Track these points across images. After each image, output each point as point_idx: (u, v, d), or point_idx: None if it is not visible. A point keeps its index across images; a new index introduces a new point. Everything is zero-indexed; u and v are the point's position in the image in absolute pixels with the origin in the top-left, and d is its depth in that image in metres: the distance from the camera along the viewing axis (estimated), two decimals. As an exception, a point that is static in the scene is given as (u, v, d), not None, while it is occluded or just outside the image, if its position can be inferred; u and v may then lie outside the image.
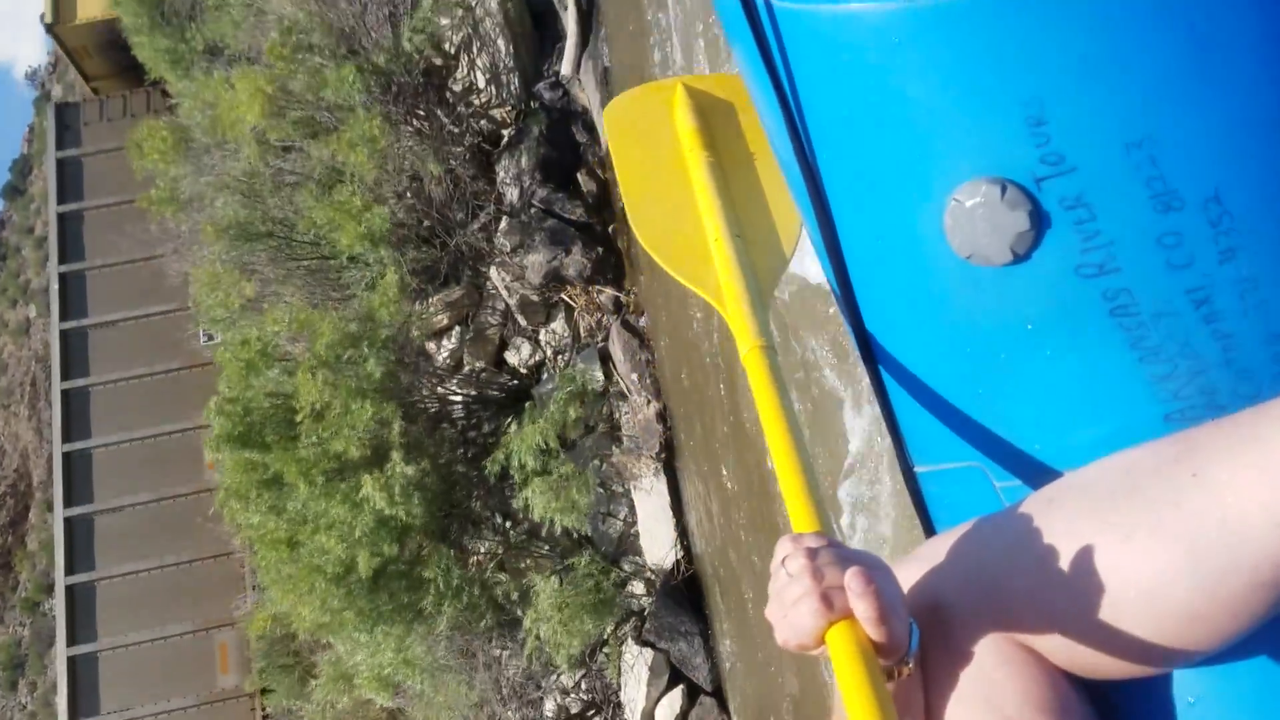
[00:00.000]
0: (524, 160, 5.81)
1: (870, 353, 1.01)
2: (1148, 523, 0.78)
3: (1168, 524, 0.77)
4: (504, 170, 5.93)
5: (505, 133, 6.05)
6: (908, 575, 0.89)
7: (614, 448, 5.66)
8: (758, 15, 0.90)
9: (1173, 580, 0.77)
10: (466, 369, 6.19)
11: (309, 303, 5.98)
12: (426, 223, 5.88)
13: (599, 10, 5.63)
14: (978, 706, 0.82)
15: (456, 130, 5.80)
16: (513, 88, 5.93)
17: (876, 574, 0.75)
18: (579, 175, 5.90)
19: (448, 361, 6.27)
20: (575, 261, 5.70)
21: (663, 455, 5.45)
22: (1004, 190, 0.83)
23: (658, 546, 5.45)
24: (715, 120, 1.29)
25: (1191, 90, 0.78)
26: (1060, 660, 0.84)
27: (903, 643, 0.75)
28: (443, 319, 6.16)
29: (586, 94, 5.76)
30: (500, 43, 5.78)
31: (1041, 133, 0.81)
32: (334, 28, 5.37)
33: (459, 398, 6.01)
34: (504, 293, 6.01)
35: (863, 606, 0.73)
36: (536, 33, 5.99)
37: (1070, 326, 0.86)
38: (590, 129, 5.88)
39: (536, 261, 5.72)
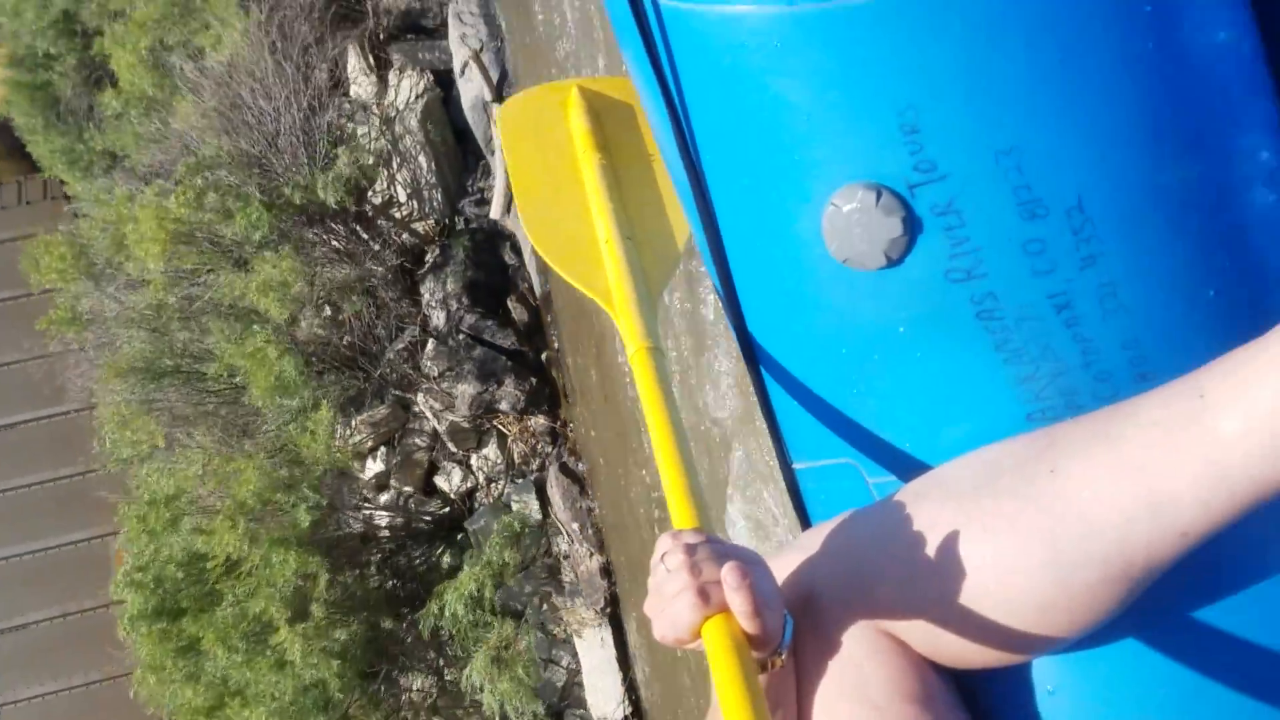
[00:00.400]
0: (450, 283, 5.58)
1: (752, 353, 1.02)
2: (1007, 515, 0.80)
3: (1026, 517, 0.79)
4: (429, 292, 5.68)
5: (429, 250, 5.83)
6: (783, 566, 0.91)
7: (554, 591, 5.45)
8: (644, 14, 0.92)
9: (1029, 571, 0.78)
10: (393, 492, 6.03)
11: (225, 442, 5.56)
12: (348, 352, 5.60)
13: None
14: (846, 695, 0.83)
15: (377, 247, 5.56)
16: (435, 202, 5.68)
17: (752, 568, 0.76)
18: (509, 301, 5.68)
19: (372, 483, 6.09)
20: (508, 394, 5.48)
21: (607, 609, 5.26)
22: (879, 196, 0.86)
23: (603, 700, 5.20)
24: (610, 122, 1.31)
25: (1057, 101, 0.81)
26: (925, 650, 0.86)
27: (776, 635, 0.77)
28: (367, 440, 5.79)
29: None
30: (421, 159, 5.55)
31: (915, 140, 0.84)
32: (244, 159, 5.05)
33: (386, 524, 5.81)
34: (432, 419, 5.78)
35: (737, 600, 0.74)
36: (459, 147, 5.73)
37: (939, 329, 0.88)
38: (518, 252, 5.70)
39: (466, 392, 5.48)
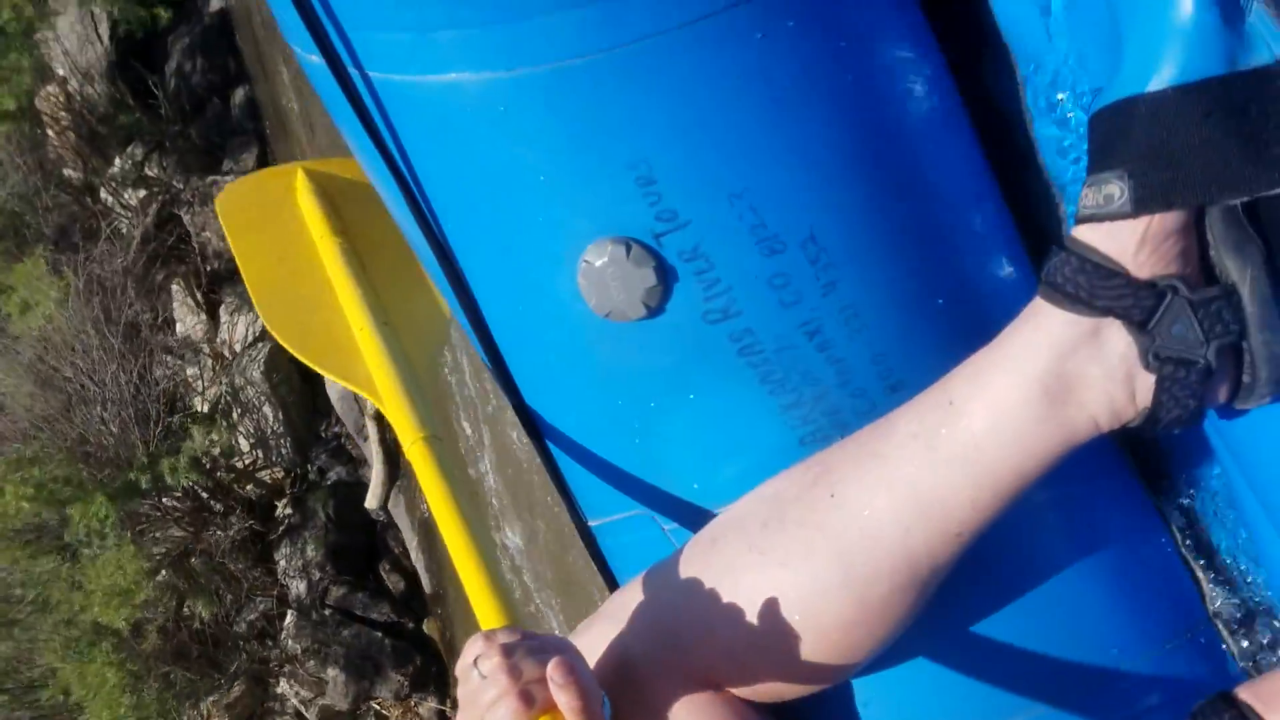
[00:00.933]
0: (310, 549, 4.78)
1: (529, 415, 1.01)
2: (798, 546, 0.83)
3: (816, 545, 0.83)
4: (286, 559, 4.88)
5: (280, 505, 5.04)
6: (593, 641, 0.90)
7: None
8: (355, 89, 0.89)
9: (828, 594, 0.82)
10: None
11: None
12: (197, 643, 4.82)
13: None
14: None
15: (219, 507, 4.82)
16: (284, 450, 4.94)
17: (575, 661, 0.74)
18: (381, 566, 4.91)
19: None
20: (390, 680, 4.68)
21: None
22: (629, 249, 0.87)
23: None
24: (344, 204, 1.25)
25: (776, 143, 0.85)
26: (744, 693, 0.87)
27: None
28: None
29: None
30: (266, 409, 4.87)
31: (653, 191, 0.86)
32: (70, 443, 4.37)
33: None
34: (300, 706, 4.93)
35: (564, 698, 0.71)
36: (307, 388, 5.04)
37: (706, 370, 0.91)
38: (386, 509, 4.84)
39: (339, 679, 4.65)
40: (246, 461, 4.92)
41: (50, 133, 5.36)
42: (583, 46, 0.80)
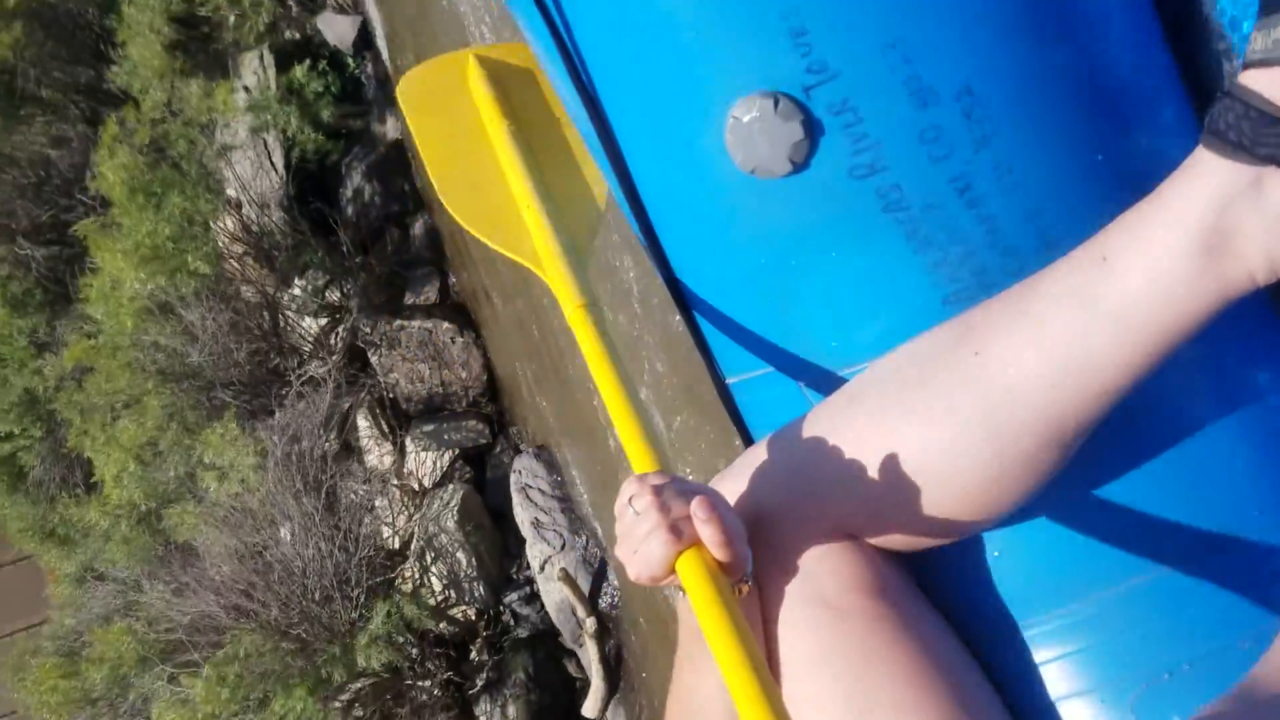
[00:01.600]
0: (512, 710, 4.59)
1: (672, 275, 1.03)
2: (942, 401, 0.83)
3: (958, 401, 0.82)
4: (486, 716, 4.74)
5: (475, 650, 4.94)
6: (728, 488, 0.92)
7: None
8: None
9: (970, 450, 0.81)
10: None
11: None
12: None
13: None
14: (803, 600, 0.86)
15: (415, 654, 4.69)
16: (477, 592, 4.86)
17: (718, 501, 0.78)
18: None
19: None
20: None
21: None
22: (777, 103, 0.87)
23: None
24: (513, 88, 1.29)
25: None
26: (877, 540, 0.89)
27: (746, 560, 0.79)
28: None
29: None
30: (460, 555, 4.84)
31: (804, 42, 0.85)
32: (274, 629, 4.21)
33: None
34: None
35: (708, 531, 0.76)
36: (499, 529, 4.99)
37: (850, 227, 0.90)
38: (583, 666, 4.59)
39: None
40: (439, 598, 4.92)
41: (228, 261, 5.25)
42: None
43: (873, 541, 0.89)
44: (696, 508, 0.76)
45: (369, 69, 5.33)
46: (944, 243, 0.88)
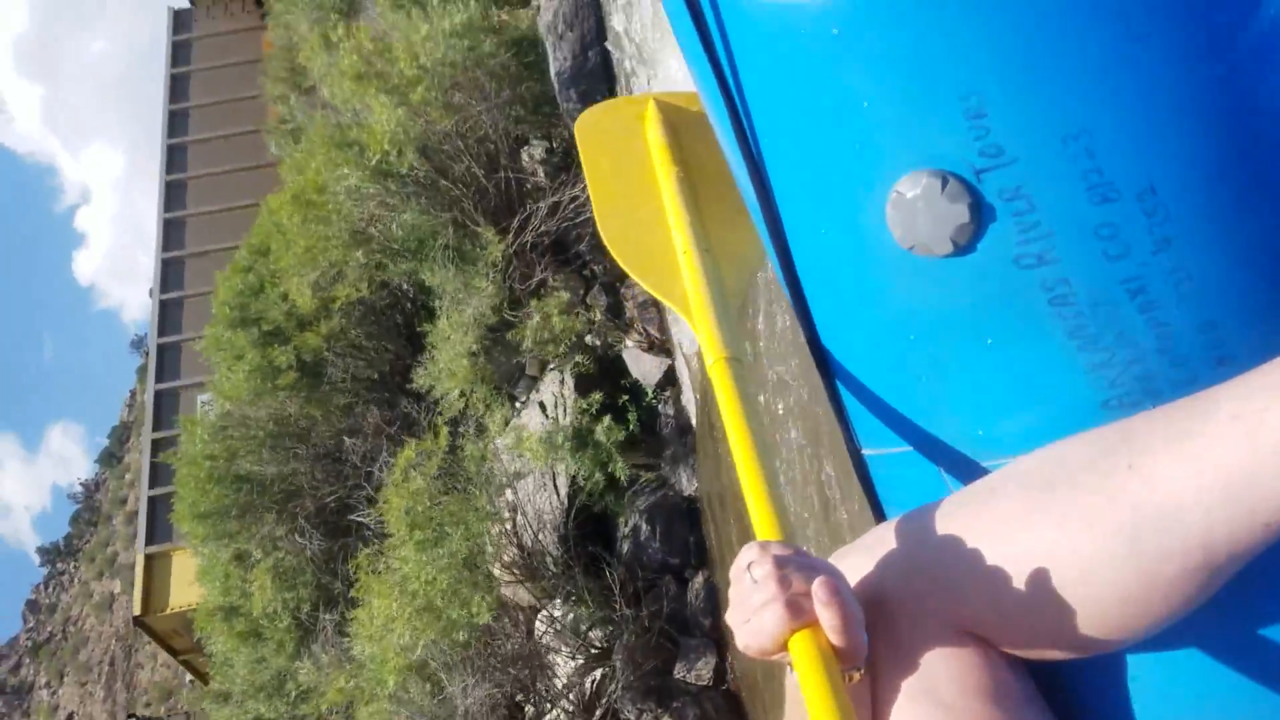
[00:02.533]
0: None
1: (817, 341, 1.02)
2: (1087, 510, 0.79)
3: (1105, 512, 0.78)
4: None
5: None
6: (852, 565, 0.90)
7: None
8: (699, 7, 0.92)
9: (1110, 565, 0.78)
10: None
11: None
12: None
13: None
14: (917, 697, 0.83)
15: None
16: None
17: (841, 583, 0.77)
18: None
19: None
20: None
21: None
22: (945, 183, 0.85)
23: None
24: (686, 136, 1.31)
25: (1126, 84, 0.80)
26: (1003, 644, 0.85)
27: (862, 648, 0.77)
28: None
29: None
30: None
31: (980, 125, 0.83)
32: None
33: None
34: None
35: (829, 615, 0.74)
36: None
37: (1010, 315, 0.87)
38: None
39: None
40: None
41: (495, 566, 5.25)
42: None
43: (996, 644, 0.85)
44: (819, 588, 0.75)
45: (669, 409, 5.23)
46: (1110, 344, 0.84)
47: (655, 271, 1.17)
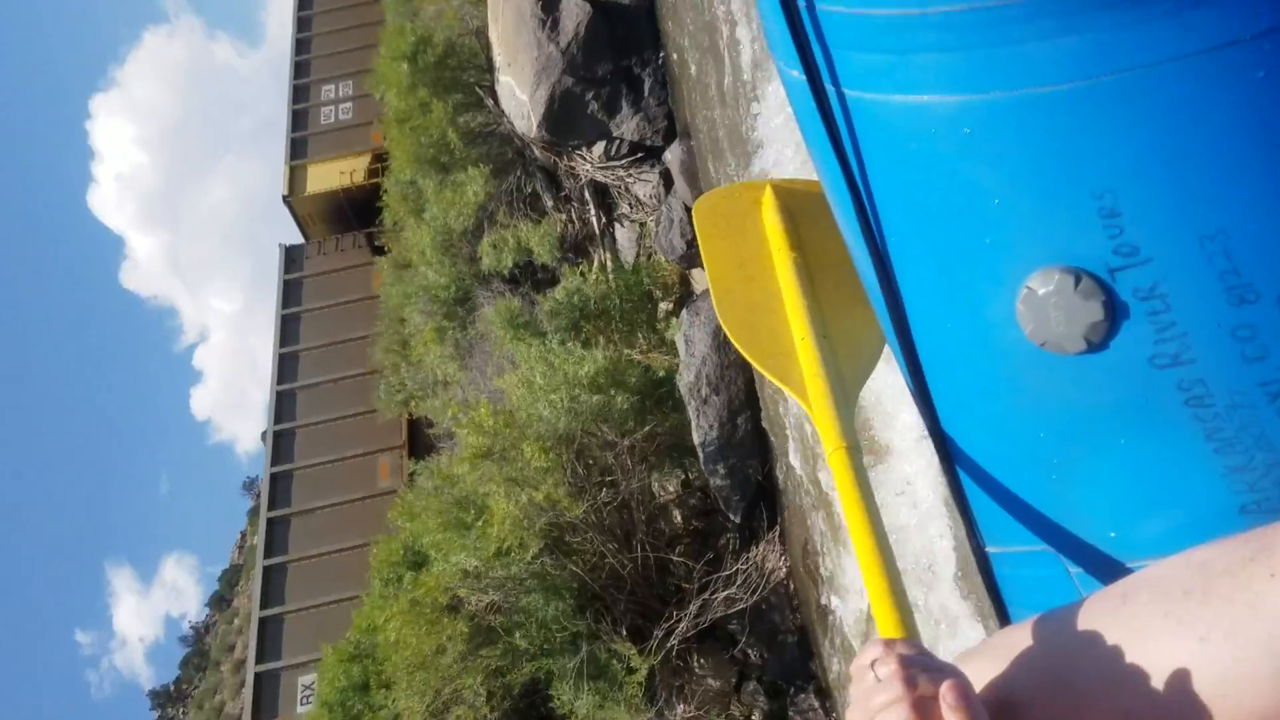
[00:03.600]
0: None
1: (941, 435, 1.01)
2: (1224, 623, 0.76)
3: (1243, 625, 0.76)
4: None
5: None
6: (976, 669, 0.88)
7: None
8: (829, 103, 0.95)
9: (1253, 680, 0.75)
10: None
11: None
12: None
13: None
14: None
15: None
16: None
17: (968, 689, 0.76)
18: None
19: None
20: None
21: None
22: (1078, 280, 0.86)
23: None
24: (804, 221, 1.33)
25: (1265, 184, 0.80)
26: None
27: None
28: None
29: None
30: None
31: (1114, 224, 0.84)
32: None
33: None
34: None
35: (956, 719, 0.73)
36: None
37: (1145, 416, 0.86)
38: None
39: None
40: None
41: None
42: (1065, 74, 0.81)
43: None
44: (947, 692, 0.73)
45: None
46: (1248, 447, 0.83)
47: (773, 356, 1.19)
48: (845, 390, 1.10)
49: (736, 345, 1.24)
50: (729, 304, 1.28)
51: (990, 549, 1.03)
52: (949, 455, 1.02)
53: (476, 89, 7.67)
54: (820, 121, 0.97)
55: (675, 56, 5.92)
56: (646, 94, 6.25)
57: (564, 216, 7.06)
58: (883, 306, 1.01)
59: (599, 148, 6.49)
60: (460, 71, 7.81)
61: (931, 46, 0.86)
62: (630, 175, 6.43)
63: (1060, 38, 0.81)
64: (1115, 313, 0.85)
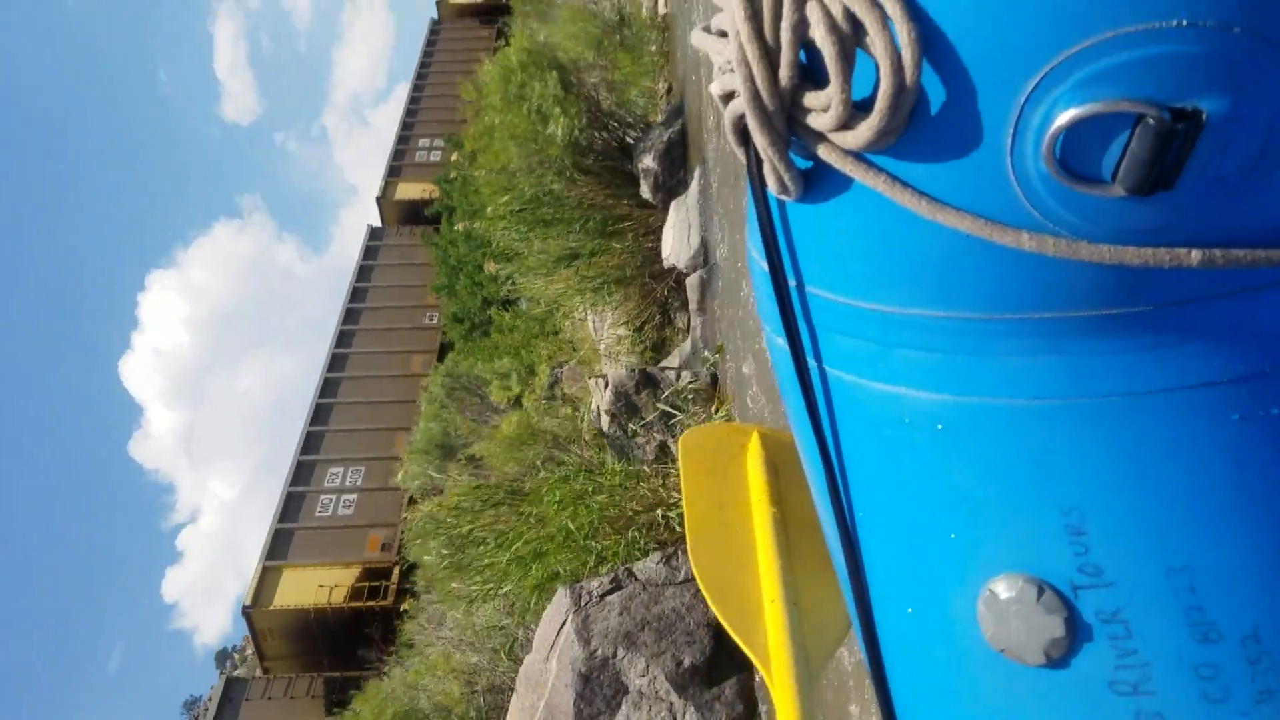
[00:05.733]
0: None
1: None
2: None
3: None
4: None
5: None
6: None
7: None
8: (808, 377, 0.96)
9: None
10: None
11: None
12: None
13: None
14: None
15: None
16: None
17: None
18: None
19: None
20: None
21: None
22: (1040, 592, 0.85)
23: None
24: (785, 476, 1.33)
25: (1234, 524, 0.81)
26: None
27: None
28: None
29: None
30: None
31: (1080, 542, 0.84)
32: None
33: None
34: None
35: None
36: None
37: None
38: None
39: None
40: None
41: None
42: (1043, 390, 0.83)
43: None
44: None
45: None
46: (1208, 790, 0.80)
47: (739, 614, 1.16)
48: (809, 667, 1.07)
49: (705, 594, 1.22)
50: (704, 549, 1.26)
51: None
52: None
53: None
54: (800, 394, 0.99)
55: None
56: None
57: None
58: (846, 584, 1.00)
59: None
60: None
61: (913, 344, 0.89)
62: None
63: (1042, 356, 0.83)
64: (1077, 631, 0.84)
